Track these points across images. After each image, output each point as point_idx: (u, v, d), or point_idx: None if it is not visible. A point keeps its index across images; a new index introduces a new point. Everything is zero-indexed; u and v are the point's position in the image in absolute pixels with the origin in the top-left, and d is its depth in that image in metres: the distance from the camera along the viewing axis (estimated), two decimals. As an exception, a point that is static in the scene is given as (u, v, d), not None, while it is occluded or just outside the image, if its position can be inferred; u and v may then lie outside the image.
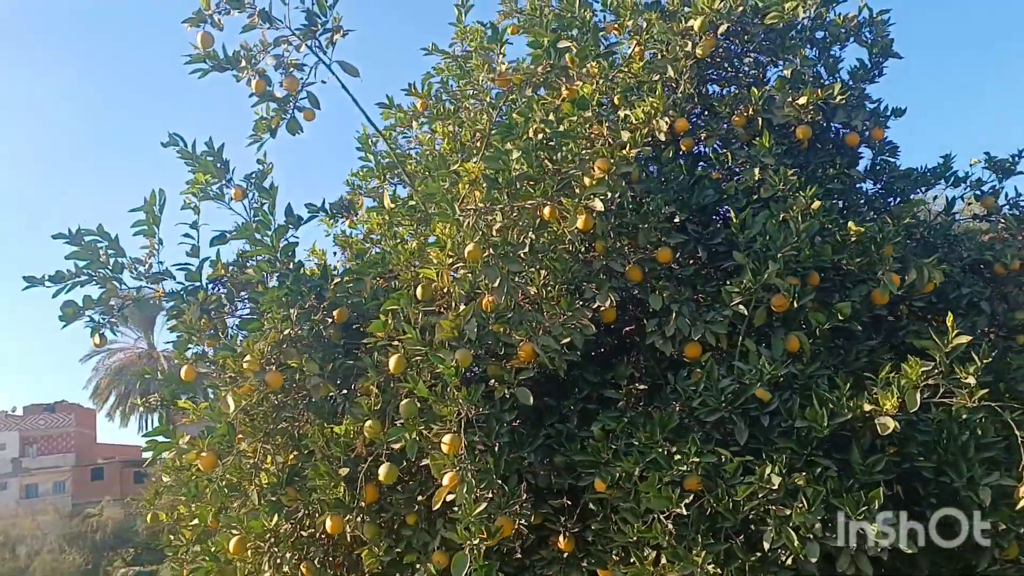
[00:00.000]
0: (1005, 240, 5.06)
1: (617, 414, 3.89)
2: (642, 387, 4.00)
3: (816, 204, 4.18)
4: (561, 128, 3.78)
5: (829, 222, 4.20)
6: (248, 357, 3.64)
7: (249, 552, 4.27)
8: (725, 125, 4.98)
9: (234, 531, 4.20)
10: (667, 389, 3.93)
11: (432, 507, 3.61)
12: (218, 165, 4.51)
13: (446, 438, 3.40)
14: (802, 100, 4.70)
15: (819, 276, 4.04)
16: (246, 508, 4.29)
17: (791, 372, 3.69)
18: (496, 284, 3.58)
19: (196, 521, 4.14)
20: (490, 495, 3.47)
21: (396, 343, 3.67)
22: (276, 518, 4.24)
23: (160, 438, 4.08)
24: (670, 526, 3.23)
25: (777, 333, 4.00)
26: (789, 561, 3.16)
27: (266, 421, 3.98)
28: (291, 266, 3.98)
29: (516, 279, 3.80)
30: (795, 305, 3.84)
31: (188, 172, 4.56)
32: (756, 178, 4.46)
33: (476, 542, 3.38)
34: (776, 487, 3.12)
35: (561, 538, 3.85)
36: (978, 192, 5.40)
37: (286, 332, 3.73)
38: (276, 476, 4.19)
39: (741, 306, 3.82)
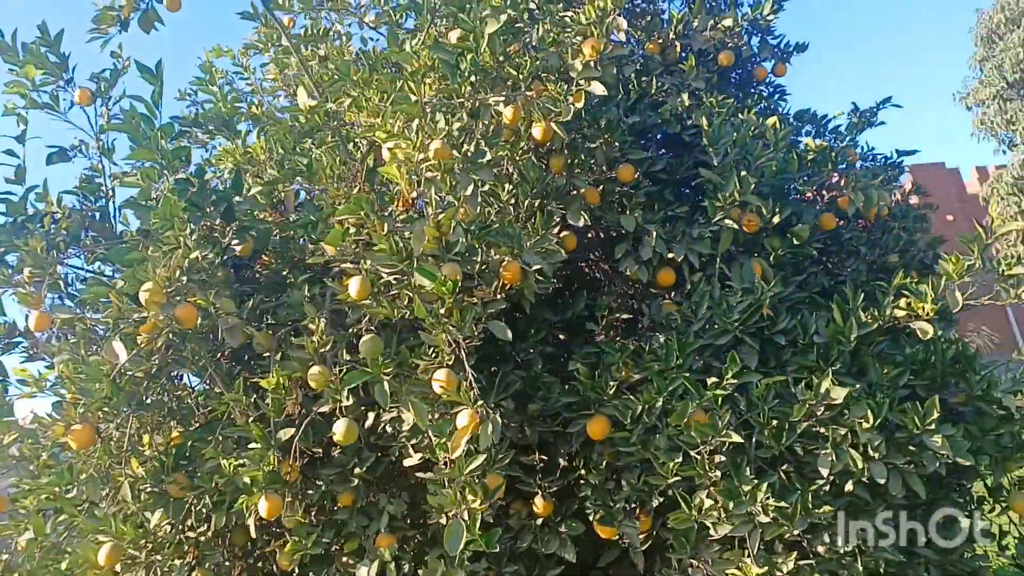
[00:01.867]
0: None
1: (597, 349, 3.34)
2: (626, 316, 3.46)
3: (772, 120, 3.92)
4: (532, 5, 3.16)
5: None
6: (149, 286, 2.65)
7: (118, 566, 3.21)
8: (641, 52, 4.61)
9: (102, 537, 3.14)
10: (647, 318, 3.44)
11: (405, 472, 2.84)
12: (53, 59, 3.40)
13: (440, 373, 2.66)
14: (727, 22, 4.44)
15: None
16: (115, 505, 3.23)
17: (783, 292, 3.34)
18: (469, 191, 2.89)
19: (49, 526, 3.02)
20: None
21: (346, 265, 2.87)
22: (158, 515, 3.22)
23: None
24: (719, 458, 2.72)
25: (739, 258, 3.65)
26: (849, 486, 2.77)
27: (144, 385, 2.98)
28: (189, 175, 3.00)
29: (483, 190, 3.14)
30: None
31: (7, 71, 3.40)
32: (685, 104, 4.10)
33: (474, 505, 2.69)
34: (839, 400, 2.71)
35: (539, 500, 3.21)
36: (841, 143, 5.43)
37: (192, 256, 2.78)
38: (157, 460, 3.18)
39: (728, 220, 3.41)
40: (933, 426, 2.68)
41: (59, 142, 3.54)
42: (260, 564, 3.61)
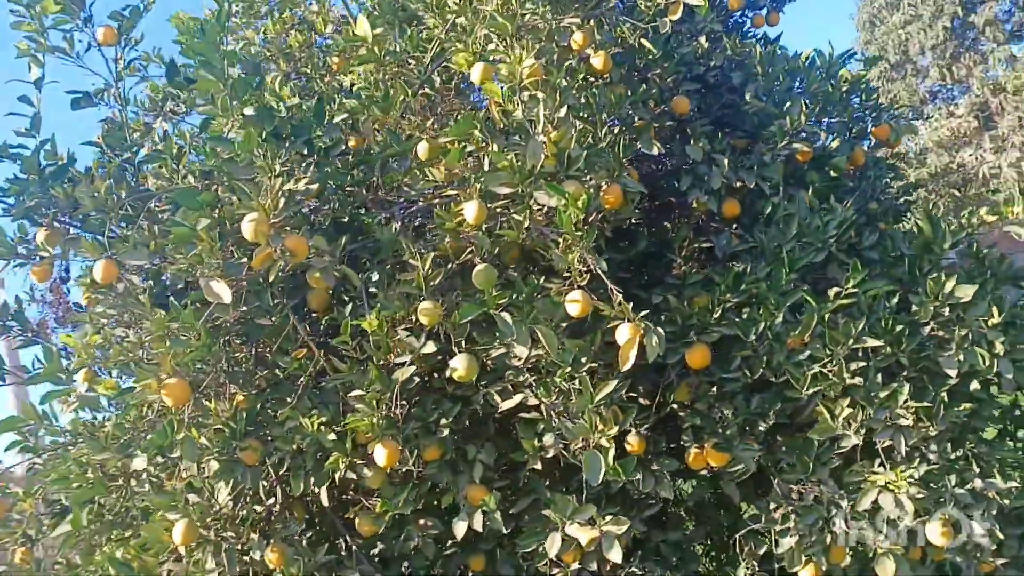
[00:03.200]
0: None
1: (678, 281, 3.26)
2: (707, 245, 3.37)
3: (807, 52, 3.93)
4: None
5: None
6: (254, 216, 2.39)
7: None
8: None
9: (172, 515, 2.84)
10: (719, 249, 3.37)
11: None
12: (71, -4, 3.06)
13: (575, 294, 2.51)
14: (733, -33, 4.43)
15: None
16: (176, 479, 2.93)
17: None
18: (563, 113, 2.75)
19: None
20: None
21: (450, 192, 2.68)
22: (226, 488, 2.94)
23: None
24: (854, 365, 2.68)
25: (788, 190, 3.63)
26: (975, 385, 2.77)
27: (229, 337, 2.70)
28: (263, 105, 2.73)
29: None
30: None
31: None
32: (704, 46, 4.06)
33: (608, 433, 2.56)
34: (967, 298, 2.71)
35: (632, 438, 3.09)
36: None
37: (288, 187, 2.53)
38: (226, 427, 2.89)
39: (796, 144, 3.39)
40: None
41: (75, 87, 3.14)
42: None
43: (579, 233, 2.37)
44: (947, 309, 2.73)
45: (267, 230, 2.38)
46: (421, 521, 3.25)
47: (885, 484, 2.66)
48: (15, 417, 3.10)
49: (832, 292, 2.79)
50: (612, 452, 2.59)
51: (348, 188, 2.88)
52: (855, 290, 2.77)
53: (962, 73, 21.60)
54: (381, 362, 2.68)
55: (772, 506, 3.05)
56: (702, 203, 3.40)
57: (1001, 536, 2.69)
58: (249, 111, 2.72)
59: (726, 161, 3.34)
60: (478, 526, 2.95)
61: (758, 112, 3.57)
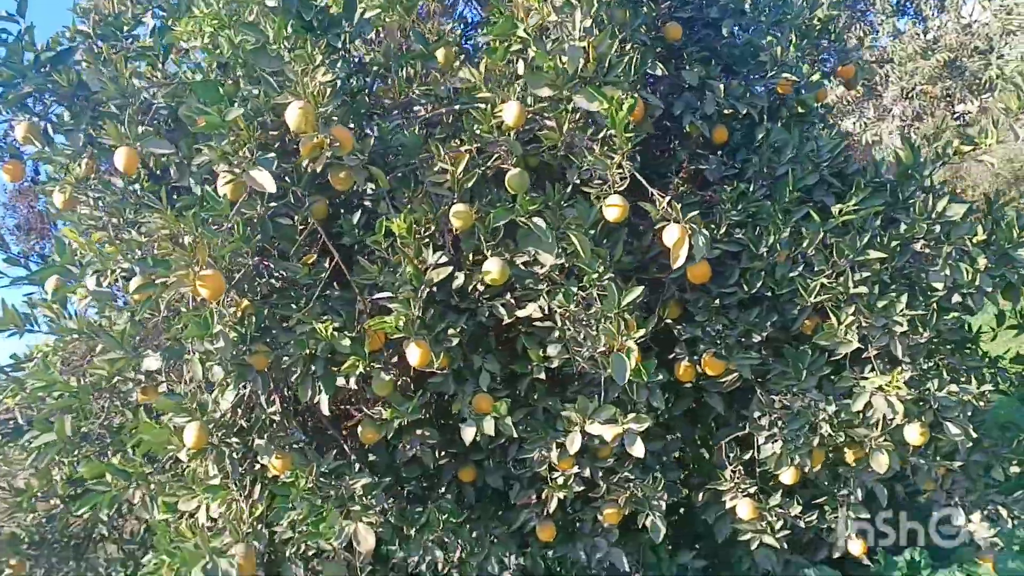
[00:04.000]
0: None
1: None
2: (703, 167, 3.48)
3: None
4: None
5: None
6: (300, 105, 2.32)
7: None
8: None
9: (181, 416, 2.77)
10: (711, 172, 3.50)
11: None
12: None
13: (615, 198, 2.57)
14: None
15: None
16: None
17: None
18: (588, 23, 2.78)
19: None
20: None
21: (484, 94, 2.68)
22: (231, 395, 2.90)
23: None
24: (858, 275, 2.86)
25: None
26: (957, 297, 3.01)
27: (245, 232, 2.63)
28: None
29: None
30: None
31: None
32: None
33: (634, 336, 2.66)
34: (957, 216, 2.94)
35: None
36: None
37: (327, 78, 2.47)
38: (235, 329, 2.83)
39: (785, 74, 3.54)
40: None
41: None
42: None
43: (628, 135, 2.42)
44: (937, 227, 2.95)
45: (313, 119, 2.33)
46: (418, 431, 3.28)
47: (879, 387, 2.87)
48: (-2, 318, 2.94)
49: (836, 209, 2.96)
50: (635, 354, 2.70)
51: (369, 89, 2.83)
52: (855, 208, 2.94)
53: (852, 44, 22.56)
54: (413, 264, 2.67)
55: (756, 414, 3.24)
56: (695, 127, 3.50)
57: (975, 435, 2.95)
58: (272, 1, 2.62)
59: (721, 87, 3.45)
60: (490, 431, 3.00)
61: (743, 43, 3.68)
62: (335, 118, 2.42)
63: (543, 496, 3.23)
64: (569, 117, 2.60)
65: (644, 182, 2.52)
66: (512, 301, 3.11)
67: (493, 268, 2.66)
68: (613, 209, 2.59)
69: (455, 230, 2.69)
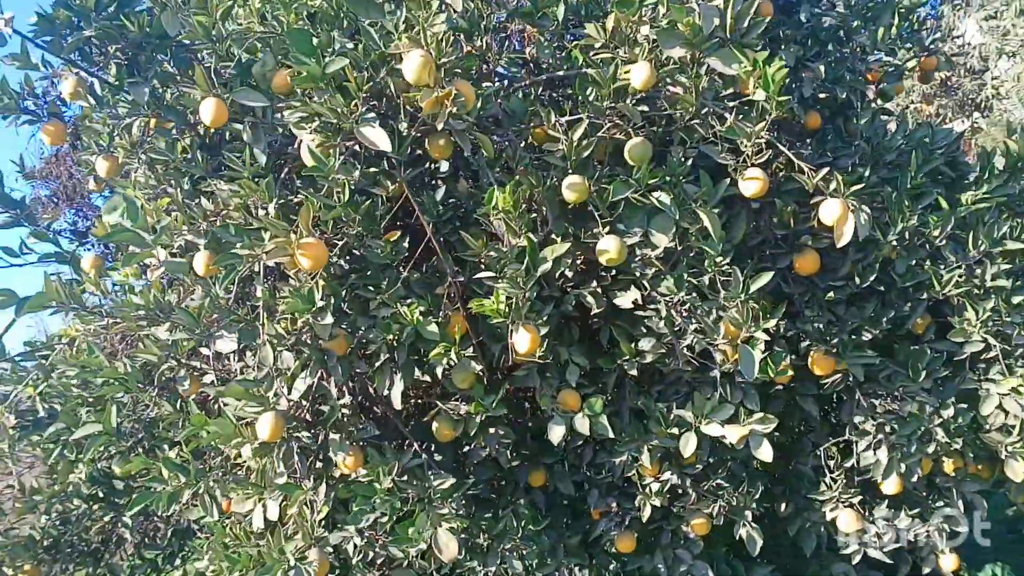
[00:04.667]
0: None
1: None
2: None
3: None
4: None
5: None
6: (420, 55, 2.05)
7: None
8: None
9: (251, 407, 2.48)
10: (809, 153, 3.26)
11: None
12: None
13: (755, 171, 2.33)
14: None
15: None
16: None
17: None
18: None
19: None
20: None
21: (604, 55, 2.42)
22: (303, 384, 2.61)
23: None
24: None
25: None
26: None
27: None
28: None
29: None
30: None
31: None
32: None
33: (764, 326, 2.42)
34: None
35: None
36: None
37: (442, 27, 2.20)
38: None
39: (887, 57, 3.33)
40: None
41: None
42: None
43: (781, 99, 2.18)
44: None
45: (436, 72, 2.06)
46: (492, 429, 3.01)
47: (1012, 389, 2.64)
48: (42, 294, 2.63)
49: (966, 196, 2.73)
50: (761, 347, 2.46)
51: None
52: (986, 195, 2.72)
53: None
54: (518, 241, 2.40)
55: (858, 419, 3.00)
56: (790, 111, 3.27)
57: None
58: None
59: (822, 68, 3.22)
60: (584, 430, 2.73)
61: (835, 25, 3.46)
62: (457, 71, 2.15)
63: (635, 503, 2.96)
64: (699, 82, 2.34)
65: (790, 155, 2.28)
66: (599, 290, 2.86)
67: (611, 247, 2.40)
68: (753, 183, 2.34)
69: (570, 203, 2.42)
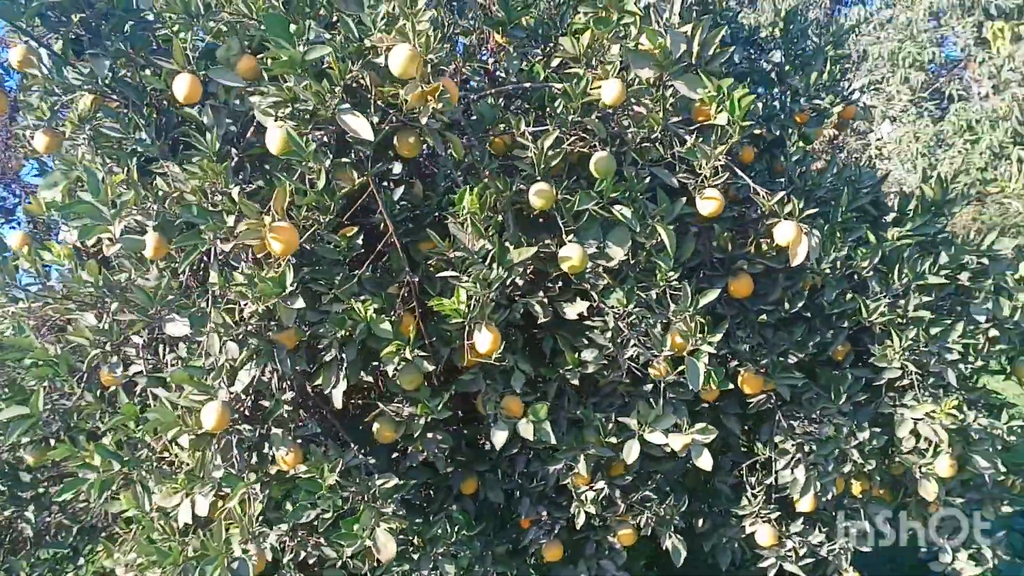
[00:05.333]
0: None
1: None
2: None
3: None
4: None
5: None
6: (408, 49, 2.07)
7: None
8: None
9: (196, 395, 2.43)
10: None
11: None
12: None
13: (712, 192, 2.44)
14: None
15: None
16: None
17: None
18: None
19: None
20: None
21: (574, 69, 2.51)
22: (247, 376, 2.57)
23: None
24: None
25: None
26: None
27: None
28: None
29: None
30: None
31: None
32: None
33: (710, 340, 2.54)
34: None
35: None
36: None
37: (426, 25, 2.24)
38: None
39: (817, 100, 3.56)
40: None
41: None
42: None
43: (745, 124, 2.31)
44: (986, 259, 2.98)
45: (422, 66, 2.09)
46: (430, 434, 3.01)
47: (925, 414, 2.84)
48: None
49: (892, 233, 2.94)
50: (705, 360, 2.57)
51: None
52: (910, 232, 2.94)
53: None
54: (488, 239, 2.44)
55: (778, 439, 3.16)
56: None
57: (1003, 470, 2.97)
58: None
59: (760, 106, 3.41)
60: (528, 435, 2.78)
61: (775, 65, 3.68)
62: (442, 68, 2.19)
63: (570, 511, 3.02)
64: (664, 103, 2.46)
65: (744, 177, 2.41)
66: (545, 300, 2.92)
67: (574, 254, 2.47)
68: (709, 203, 2.46)
69: (536, 209, 2.48)
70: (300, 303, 2.22)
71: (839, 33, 3.78)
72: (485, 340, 2.39)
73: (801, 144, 3.88)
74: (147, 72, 2.55)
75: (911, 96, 15.82)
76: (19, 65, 2.65)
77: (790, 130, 3.53)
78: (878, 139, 16.97)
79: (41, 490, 3.51)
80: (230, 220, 2.22)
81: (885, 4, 16.42)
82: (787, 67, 3.68)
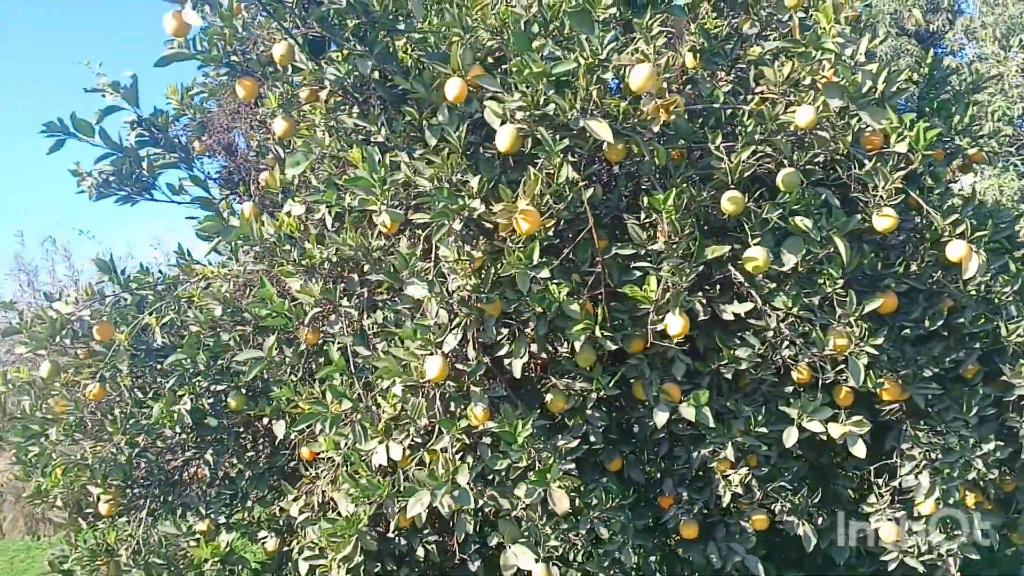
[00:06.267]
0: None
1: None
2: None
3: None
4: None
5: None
6: (651, 66, 2.45)
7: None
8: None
9: (421, 349, 2.81)
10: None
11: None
12: None
13: (889, 210, 2.77)
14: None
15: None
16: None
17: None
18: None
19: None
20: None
21: (769, 94, 2.86)
22: (456, 339, 2.94)
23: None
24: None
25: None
26: None
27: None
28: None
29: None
30: None
31: None
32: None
33: (872, 342, 2.84)
34: None
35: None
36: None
37: (649, 50, 2.61)
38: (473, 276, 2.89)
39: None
40: None
41: None
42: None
43: (927, 153, 2.64)
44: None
45: (659, 83, 2.46)
46: (590, 411, 3.35)
47: (1054, 434, 3.11)
48: (245, 225, 2.94)
49: (1036, 261, 3.22)
50: (865, 360, 2.88)
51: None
52: (1051, 264, 3.22)
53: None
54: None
55: (905, 445, 3.44)
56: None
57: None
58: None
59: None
60: (690, 416, 3.11)
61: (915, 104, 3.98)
62: (674, 87, 2.56)
63: (711, 492, 3.34)
64: (851, 130, 2.80)
65: (920, 201, 2.74)
66: (704, 300, 3.25)
67: (760, 256, 2.81)
68: (885, 219, 2.78)
69: (727, 214, 2.83)
70: (545, 272, 2.58)
71: (979, 81, 4.06)
72: (676, 324, 2.74)
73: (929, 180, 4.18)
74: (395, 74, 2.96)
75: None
76: (280, 60, 3.09)
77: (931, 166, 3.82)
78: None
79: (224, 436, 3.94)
80: (473, 203, 2.61)
81: (978, 57, 16.49)
82: (927, 107, 3.97)
